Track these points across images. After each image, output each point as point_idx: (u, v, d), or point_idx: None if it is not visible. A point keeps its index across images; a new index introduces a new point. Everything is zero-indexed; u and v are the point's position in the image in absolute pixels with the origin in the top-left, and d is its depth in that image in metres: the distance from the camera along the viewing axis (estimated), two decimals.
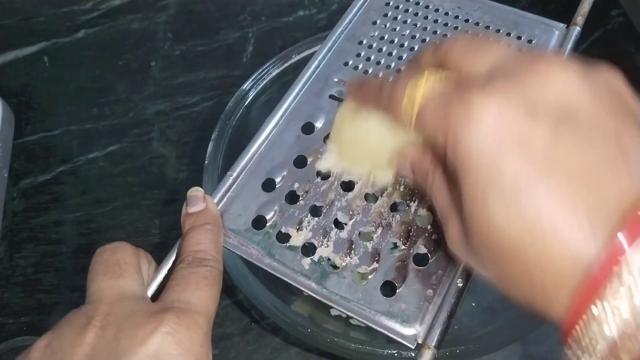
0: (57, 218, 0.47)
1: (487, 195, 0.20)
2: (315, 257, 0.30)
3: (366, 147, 0.29)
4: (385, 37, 0.38)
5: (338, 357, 0.34)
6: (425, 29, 0.38)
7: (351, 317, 0.29)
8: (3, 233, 0.47)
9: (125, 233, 0.46)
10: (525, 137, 0.20)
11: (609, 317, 0.18)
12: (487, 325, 0.35)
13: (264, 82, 0.42)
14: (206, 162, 0.38)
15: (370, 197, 0.32)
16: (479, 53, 0.23)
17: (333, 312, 0.39)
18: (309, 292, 0.29)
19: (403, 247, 0.30)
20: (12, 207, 0.48)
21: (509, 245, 0.20)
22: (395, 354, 0.31)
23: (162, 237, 0.46)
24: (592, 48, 0.51)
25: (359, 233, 0.31)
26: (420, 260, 0.30)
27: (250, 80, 0.42)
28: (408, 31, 0.38)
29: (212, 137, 0.39)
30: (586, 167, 0.19)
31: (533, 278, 0.20)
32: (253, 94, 0.41)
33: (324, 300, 0.29)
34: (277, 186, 0.33)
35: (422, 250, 0.30)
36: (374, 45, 0.38)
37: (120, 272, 0.27)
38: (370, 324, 0.28)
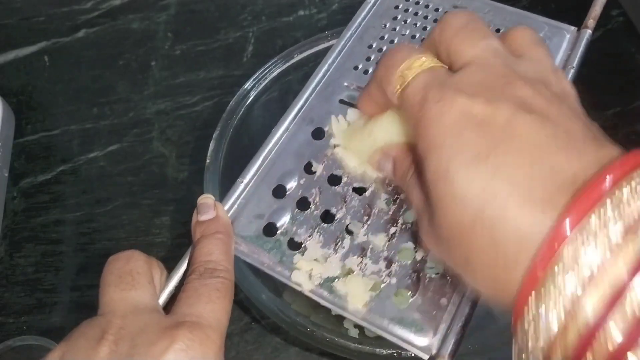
0: (57, 218, 0.47)
1: (449, 166, 0.22)
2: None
3: (367, 142, 0.30)
4: (395, 41, 0.38)
5: (338, 357, 0.34)
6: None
7: (365, 327, 0.28)
8: (3, 233, 0.47)
9: (125, 233, 0.46)
10: (484, 119, 0.22)
11: (550, 302, 0.19)
12: (487, 325, 0.35)
13: (265, 82, 0.42)
14: (207, 161, 0.38)
15: (382, 203, 0.32)
16: (475, 33, 0.25)
17: (334, 312, 0.39)
18: (323, 302, 0.29)
19: (416, 254, 0.30)
20: (12, 206, 0.48)
21: (469, 218, 0.21)
22: (395, 354, 0.31)
23: (162, 237, 0.46)
24: (592, 48, 0.51)
25: (371, 241, 0.30)
26: (433, 268, 0.29)
27: (252, 79, 0.41)
28: (418, 34, 0.38)
29: (214, 136, 0.39)
30: (540, 145, 0.21)
31: (488, 258, 0.21)
32: (254, 94, 0.41)
33: (337, 309, 0.29)
34: (287, 192, 0.32)
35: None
36: (384, 48, 0.38)
37: (133, 282, 0.27)
38: (383, 333, 0.28)
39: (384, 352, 0.32)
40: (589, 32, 0.36)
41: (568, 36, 0.36)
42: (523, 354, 0.20)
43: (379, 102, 0.29)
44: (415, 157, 0.26)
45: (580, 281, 0.18)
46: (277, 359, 0.40)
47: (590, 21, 0.36)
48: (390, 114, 0.29)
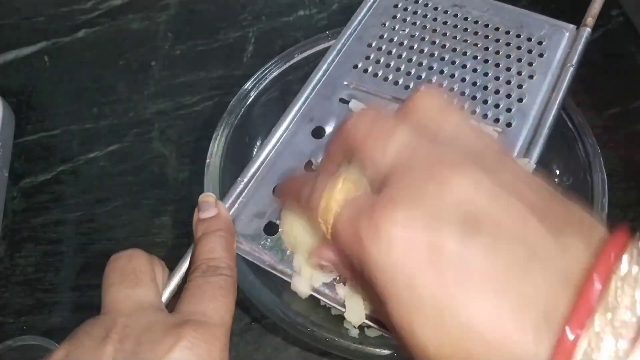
0: (57, 217, 0.47)
1: (412, 320, 0.19)
2: None
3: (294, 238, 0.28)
4: (395, 39, 0.38)
5: (338, 357, 0.34)
6: (434, 31, 0.38)
7: (369, 327, 0.28)
8: (3, 232, 0.47)
9: (125, 233, 0.46)
10: (433, 249, 0.19)
11: None
12: None
13: (266, 82, 0.42)
14: (208, 160, 0.38)
15: None
16: (380, 141, 0.22)
17: (334, 312, 0.39)
18: (324, 300, 0.29)
19: None
20: (12, 206, 0.48)
21: None
22: (395, 354, 0.31)
23: (162, 237, 0.46)
24: (592, 48, 0.51)
25: None
26: None
27: (252, 79, 0.42)
28: (417, 33, 0.38)
29: (214, 136, 0.39)
30: (501, 271, 0.18)
31: None
32: (255, 94, 0.41)
33: (339, 307, 0.29)
34: None
35: None
36: (384, 47, 0.38)
37: (136, 281, 0.27)
38: (385, 334, 0.28)
39: (384, 352, 0.32)
40: (588, 30, 0.36)
41: (567, 34, 0.36)
42: None
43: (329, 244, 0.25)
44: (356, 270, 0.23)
45: None
46: (277, 359, 0.40)
47: (589, 19, 0.36)
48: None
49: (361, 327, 0.37)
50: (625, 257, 0.18)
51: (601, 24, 0.53)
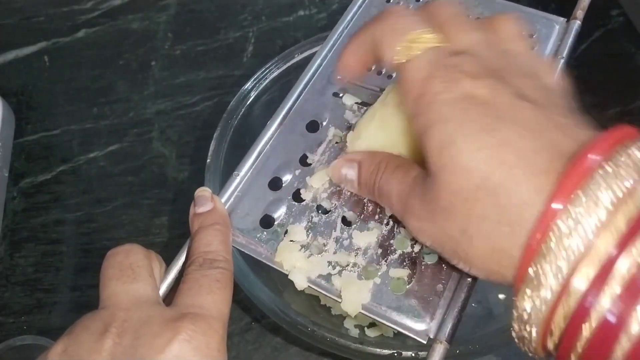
0: (57, 217, 0.47)
1: (456, 136, 0.22)
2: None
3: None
4: None
5: (338, 357, 0.34)
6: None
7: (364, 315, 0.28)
8: (3, 232, 0.47)
9: (125, 232, 0.46)
10: (487, 100, 0.23)
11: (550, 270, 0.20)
12: (487, 325, 0.35)
13: (266, 82, 0.42)
14: (208, 160, 0.38)
15: None
16: (459, 30, 0.26)
17: (334, 312, 0.39)
18: (320, 290, 0.29)
19: (411, 242, 0.30)
20: (12, 206, 0.48)
21: (473, 185, 0.22)
22: (396, 354, 0.31)
23: (162, 237, 0.46)
24: (592, 48, 0.52)
25: (367, 230, 0.31)
26: (429, 255, 0.30)
27: (252, 79, 0.42)
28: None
29: (214, 135, 0.39)
30: (540, 124, 0.22)
31: (489, 225, 0.22)
32: (255, 94, 0.41)
33: (334, 298, 0.29)
34: (283, 185, 0.33)
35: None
36: None
37: (134, 275, 0.27)
38: (381, 320, 0.28)
39: (385, 352, 0.32)
40: (578, 23, 0.36)
41: (557, 27, 0.37)
42: (522, 322, 0.21)
43: (367, 59, 0.29)
44: (386, 156, 0.27)
45: (581, 243, 0.19)
46: (277, 359, 0.40)
47: (579, 12, 0.36)
48: (379, 120, 0.29)
49: (361, 327, 0.37)
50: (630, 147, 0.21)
51: (601, 24, 0.53)
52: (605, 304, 0.19)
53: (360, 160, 0.29)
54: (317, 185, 0.32)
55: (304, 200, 0.32)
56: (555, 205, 0.20)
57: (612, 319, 0.19)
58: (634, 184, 0.19)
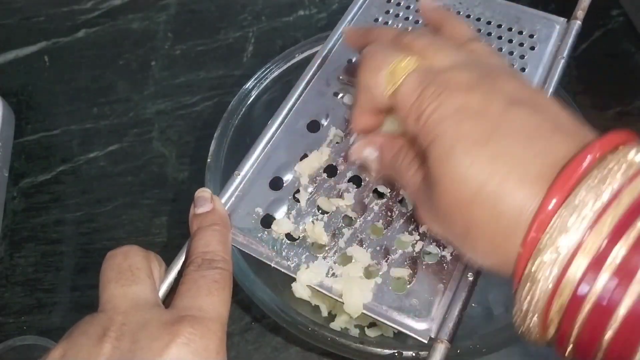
0: (57, 218, 0.47)
1: (452, 151, 0.24)
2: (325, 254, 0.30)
3: None
4: None
5: (338, 357, 0.34)
6: (427, 25, 0.38)
7: (364, 315, 0.29)
8: (3, 233, 0.47)
9: (125, 233, 0.46)
10: (480, 110, 0.24)
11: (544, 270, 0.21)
12: (487, 325, 0.35)
13: (266, 82, 0.42)
14: (209, 160, 0.38)
15: (377, 192, 0.32)
16: (438, 53, 0.27)
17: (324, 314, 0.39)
18: (321, 290, 0.29)
19: (413, 241, 0.30)
20: (12, 206, 0.48)
21: (469, 195, 0.23)
22: (396, 354, 0.31)
23: (162, 237, 0.46)
24: (592, 48, 0.52)
25: (368, 230, 0.31)
26: (430, 255, 0.30)
27: (253, 79, 0.42)
28: (410, 28, 0.38)
29: (215, 135, 0.39)
30: (532, 131, 0.23)
31: (489, 229, 0.23)
32: (255, 94, 0.41)
33: (336, 298, 0.29)
34: (284, 184, 0.33)
35: (432, 245, 0.30)
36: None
37: (133, 278, 0.27)
38: (382, 320, 0.28)
39: (385, 351, 0.32)
40: (578, 23, 0.36)
41: (558, 27, 0.37)
42: (523, 314, 0.23)
43: (371, 111, 0.29)
44: (407, 142, 0.28)
45: (574, 240, 0.21)
46: (277, 359, 0.40)
47: (580, 12, 0.36)
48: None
49: (361, 327, 0.37)
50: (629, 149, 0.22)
51: (601, 24, 0.53)
52: (597, 291, 0.20)
53: (382, 143, 0.30)
54: (304, 171, 0.32)
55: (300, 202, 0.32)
56: (549, 208, 0.21)
57: (603, 303, 0.20)
58: (620, 187, 0.21)
